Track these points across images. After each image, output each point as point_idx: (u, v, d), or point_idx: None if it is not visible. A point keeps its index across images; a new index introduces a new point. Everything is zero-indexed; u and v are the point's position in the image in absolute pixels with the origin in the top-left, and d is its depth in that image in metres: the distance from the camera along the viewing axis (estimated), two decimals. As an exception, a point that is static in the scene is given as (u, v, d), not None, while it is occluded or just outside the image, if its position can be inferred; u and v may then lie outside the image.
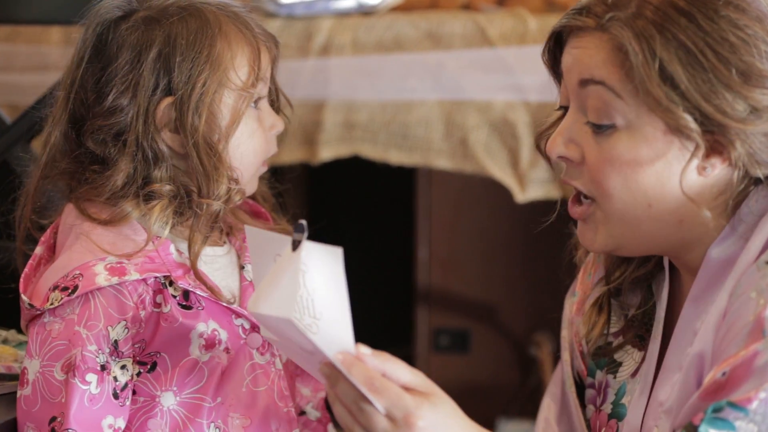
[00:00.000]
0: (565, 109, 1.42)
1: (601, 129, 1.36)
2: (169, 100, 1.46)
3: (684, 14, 1.32)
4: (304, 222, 1.27)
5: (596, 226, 1.40)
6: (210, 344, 1.47)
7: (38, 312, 1.44)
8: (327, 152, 2.55)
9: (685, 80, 1.31)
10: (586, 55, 1.37)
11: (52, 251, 1.53)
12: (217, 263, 1.53)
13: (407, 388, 1.26)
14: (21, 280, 1.49)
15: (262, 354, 1.51)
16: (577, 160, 1.39)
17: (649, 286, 1.51)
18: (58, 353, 1.43)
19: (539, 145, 1.48)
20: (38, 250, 1.53)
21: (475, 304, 3.02)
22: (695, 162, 1.34)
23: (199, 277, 1.46)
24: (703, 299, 1.39)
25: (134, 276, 1.44)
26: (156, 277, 1.46)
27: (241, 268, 1.55)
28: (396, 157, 2.54)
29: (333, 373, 1.26)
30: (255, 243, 1.36)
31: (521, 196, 2.50)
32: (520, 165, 2.50)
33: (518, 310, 2.96)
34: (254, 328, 1.50)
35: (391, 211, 3.33)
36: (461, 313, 3.03)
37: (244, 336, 1.50)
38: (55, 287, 1.44)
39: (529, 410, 2.88)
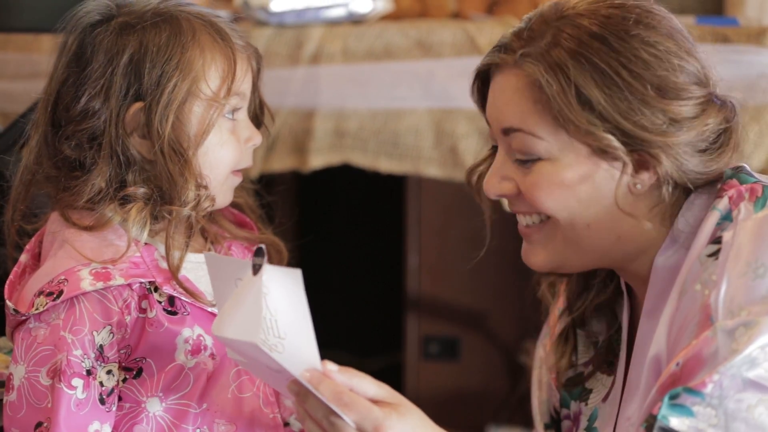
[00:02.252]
0: (495, 147, 1.46)
1: (526, 163, 1.40)
2: (138, 105, 1.46)
3: (596, 38, 1.35)
4: (263, 246, 1.31)
5: (541, 246, 1.44)
6: (196, 350, 1.47)
7: (23, 318, 1.44)
8: (317, 160, 2.56)
9: (602, 101, 1.34)
10: (503, 101, 1.40)
11: (37, 260, 1.53)
12: (202, 270, 1.51)
13: (375, 401, 1.29)
14: (6, 287, 1.49)
15: None
16: (514, 193, 1.43)
17: (614, 312, 1.53)
18: (43, 358, 1.42)
19: (470, 181, 1.52)
20: (23, 258, 1.53)
21: (464, 312, 3.03)
22: (625, 180, 1.36)
23: (181, 283, 1.46)
24: (656, 312, 1.40)
25: (119, 281, 1.44)
26: (141, 283, 1.46)
27: None
28: (386, 165, 2.55)
29: (301, 390, 1.29)
30: (215, 268, 1.38)
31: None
32: (510, 173, 2.51)
33: (508, 317, 2.96)
34: None
35: (381, 219, 3.33)
36: (451, 320, 3.03)
37: None
38: (41, 293, 1.43)
39: (519, 417, 2.88)
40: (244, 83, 1.52)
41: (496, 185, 1.44)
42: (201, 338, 1.48)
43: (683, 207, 1.39)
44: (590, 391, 1.52)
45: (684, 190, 1.40)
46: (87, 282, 1.43)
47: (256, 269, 1.29)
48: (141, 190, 1.47)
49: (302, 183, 3.26)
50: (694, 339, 1.29)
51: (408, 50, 2.55)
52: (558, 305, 1.60)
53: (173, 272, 1.46)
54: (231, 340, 1.31)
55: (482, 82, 1.47)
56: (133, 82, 1.46)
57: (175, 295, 1.46)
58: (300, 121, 2.55)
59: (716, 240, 1.35)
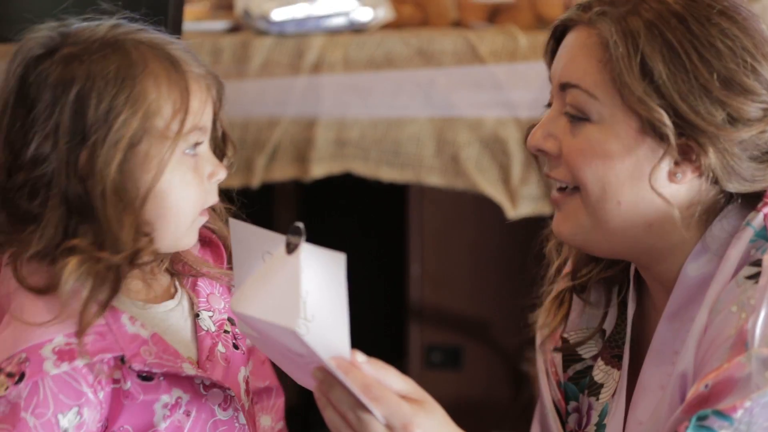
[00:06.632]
0: None
1: (575, 119, 1.38)
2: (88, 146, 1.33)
3: (676, 15, 1.34)
4: (300, 225, 1.23)
5: (569, 216, 1.41)
6: (172, 411, 1.38)
7: None
8: (319, 169, 2.56)
9: (664, 76, 1.32)
10: (569, 56, 1.39)
11: None
12: (170, 319, 1.43)
13: (401, 396, 1.25)
14: None
15: (224, 410, 1.43)
16: (555, 153, 1.40)
17: (624, 302, 1.51)
18: None
19: (527, 140, 1.50)
20: None
21: (467, 321, 3.02)
22: (666, 164, 1.35)
23: (81, 342, 1.33)
24: (680, 317, 1.39)
25: (84, 360, 1.32)
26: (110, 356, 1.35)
27: (196, 316, 1.45)
28: (387, 174, 2.55)
29: (327, 378, 1.25)
30: (240, 238, 1.30)
31: (512, 212, 2.50)
32: (511, 181, 2.50)
33: (510, 326, 2.95)
34: (214, 384, 1.41)
35: (383, 228, 3.33)
36: (453, 329, 3.03)
37: (204, 393, 1.41)
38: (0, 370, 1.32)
39: (522, 426, 2.88)
40: (204, 115, 1.40)
41: (539, 139, 1.41)
42: (179, 400, 1.39)
43: (722, 213, 1.37)
44: (601, 386, 1.51)
45: (726, 197, 1.38)
46: (50, 363, 1.31)
47: (291, 248, 1.23)
48: (79, 242, 1.33)
49: (304, 192, 3.26)
50: (726, 362, 1.28)
51: (409, 59, 2.56)
52: (564, 271, 1.57)
53: (80, 330, 1.32)
54: (256, 319, 1.24)
55: (556, 41, 1.44)
56: (80, 120, 1.33)
57: (147, 369, 1.35)
58: (301, 131, 2.55)
59: (755, 262, 1.33)
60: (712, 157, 1.33)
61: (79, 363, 1.32)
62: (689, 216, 1.37)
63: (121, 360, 1.35)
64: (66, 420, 1.33)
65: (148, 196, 1.34)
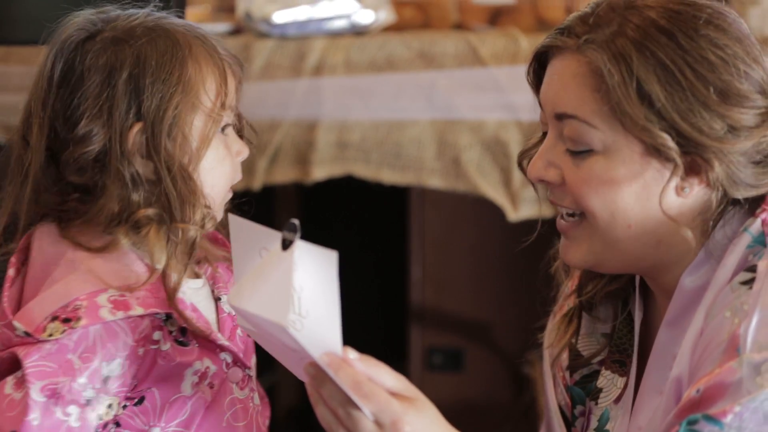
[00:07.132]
0: (545, 134, 1.44)
1: (578, 155, 1.37)
2: (139, 125, 1.40)
3: (664, 32, 1.33)
4: (296, 221, 1.25)
5: (578, 243, 1.41)
6: (201, 380, 1.44)
7: (32, 341, 1.36)
8: (320, 172, 2.56)
9: (662, 98, 1.32)
10: (561, 85, 1.38)
11: (19, 272, 1.45)
12: (198, 296, 1.48)
13: (392, 393, 1.25)
14: (7, 305, 1.41)
15: (241, 388, 1.48)
16: (557, 182, 1.40)
17: (626, 301, 1.51)
18: (42, 373, 1.34)
19: (521, 165, 1.50)
20: (11, 272, 1.45)
21: (468, 323, 3.02)
22: (673, 181, 1.35)
23: (176, 306, 1.41)
24: (678, 324, 1.39)
25: (138, 311, 1.38)
26: (157, 314, 1.40)
27: (217, 299, 1.51)
28: (389, 176, 2.55)
29: (319, 374, 1.25)
30: (239, 234, 1.32)
31: (513, 215, 2.50)
32: (513, 184, 2.51)
33: (511, 328, 2.96)
34: (235, 362, 1.46)
35: (384, 230, 3.34)
36: (455, 331, 3.03)
37: (226, 370, 1.46)
38: (54, 317, 1.36)
39: (523, 429, 2.88)
40: (234, 95, 1.48)
41: (540, 169, 1.40)
42: (208, 369, 1.44)
43: (723, 218, 1.37)
44: (600, 390, 1.51)
45: (729, 202, 1.37)
46: (106, 310, 1.36)
47: (286, 244, 1.25)
48: (152, 211, 1.41)
49: (305, 195, 3.26)
50: (718, 367, 1.28)
51: (410, 61, 2.56)
52: (571, 288, 1.57)
53: (170, 295, 1.41)
54: (250, 313, 1.26)
55: (539, 64, 1.43)
56: (134, 101, 1.40)
57: (191, 329, 1.41)
58: (302, 133, 2.55)
59: (750, 268, 1.33)
60: (718, 170, 1.33)
61: (134, 313, 1.38)
62: (697, 226, 1.37)
63: (165, 320, 1.41)
64: (108, 369, 1.38)
65: (197, 170, 1.43)
